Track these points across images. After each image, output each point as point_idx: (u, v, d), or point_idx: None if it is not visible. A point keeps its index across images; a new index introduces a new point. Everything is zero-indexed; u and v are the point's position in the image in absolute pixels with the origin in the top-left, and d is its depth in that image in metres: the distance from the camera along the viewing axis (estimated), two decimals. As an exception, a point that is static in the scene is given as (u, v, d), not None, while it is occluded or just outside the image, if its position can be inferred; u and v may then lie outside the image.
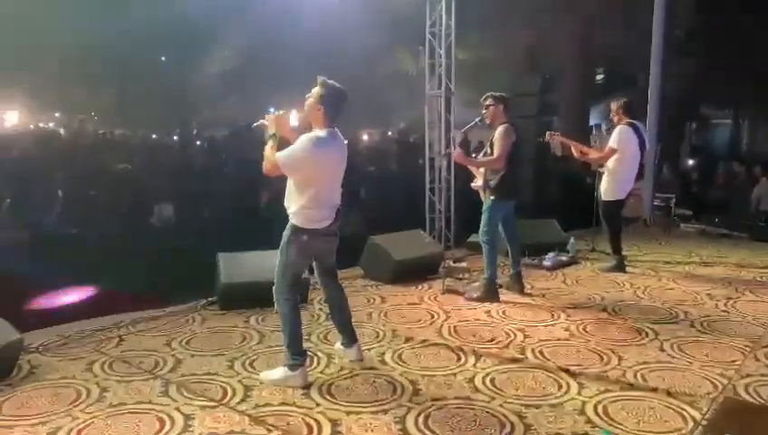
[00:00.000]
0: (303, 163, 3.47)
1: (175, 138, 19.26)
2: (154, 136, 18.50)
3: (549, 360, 3.96)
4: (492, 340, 4.31)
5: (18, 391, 3.48)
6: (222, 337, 4.39)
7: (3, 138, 15.15)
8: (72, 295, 6.91)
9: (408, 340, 4.30)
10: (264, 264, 5.06)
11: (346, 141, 3.72)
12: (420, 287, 5.69)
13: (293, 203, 3.59)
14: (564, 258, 6.63)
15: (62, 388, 3.53)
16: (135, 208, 12.38)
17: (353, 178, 13.11)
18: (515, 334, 4.42)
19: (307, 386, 3.56)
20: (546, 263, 6.43)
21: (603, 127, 6.88)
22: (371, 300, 5.30)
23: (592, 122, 15.67)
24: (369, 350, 4.13)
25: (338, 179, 3.70)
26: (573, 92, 13.61)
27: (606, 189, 6.22)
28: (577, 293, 5.57)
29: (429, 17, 7.53)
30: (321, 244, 3.69)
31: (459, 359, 3.97)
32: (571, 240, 7.00)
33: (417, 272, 5.94)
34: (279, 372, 3.64)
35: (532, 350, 4.13)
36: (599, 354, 4.07)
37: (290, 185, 3.61)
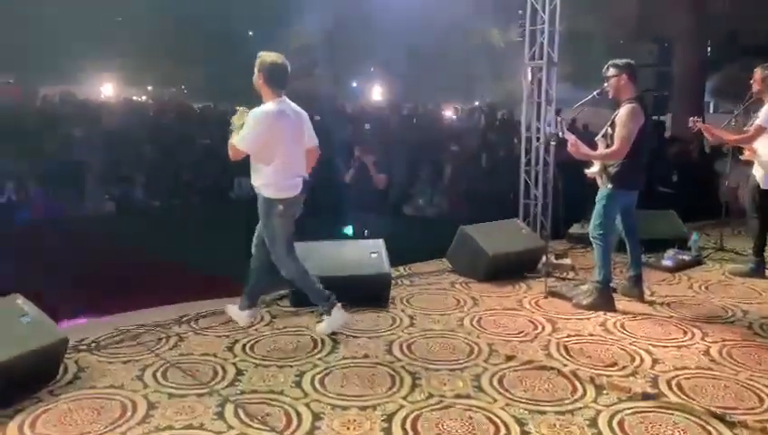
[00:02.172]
0: (257, 137, 3.65)
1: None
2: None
3: (691, 398, 3.13)
4: (613, 364, 3.52)
5: (59, 402, 3.04)
6: (291, 342, 3.82)
7: (96, 109, 15.38)
8: (142, 274, 6.67)
9: (509, 359, 3.57)
10: (339, 256, 4.53)
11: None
12: (518, 288, 4.93)
13: (259, 178, 3.78)
14: (687, 257, 5.64)
15: (106, 400, 3.07)
16: (216, 182, 12.26)
17: (435, 154, 12.46)
18: (641, 358, 3.60)
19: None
20: (666, 262, 5.48)
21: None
22: (462, 302, 4.59)
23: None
24: (462, 370, 3.44)
25: (299, 149, 3.84)
26: (689, 65, 12.13)
27: (763, 176, 5.10)
28: (709, 302, 4.64)
29: (532, -23, 6.65)
30: (296, 210, 3.86)
31: (575, 389, 3.21)
32: (694, 236, 5.97)
33: (513, 269, 5.17)
34: (327, 321, 3.88)
35: (667, 382, 3.30)
36: (755, 393, 3.20)
37: (252, 162, 3.78)
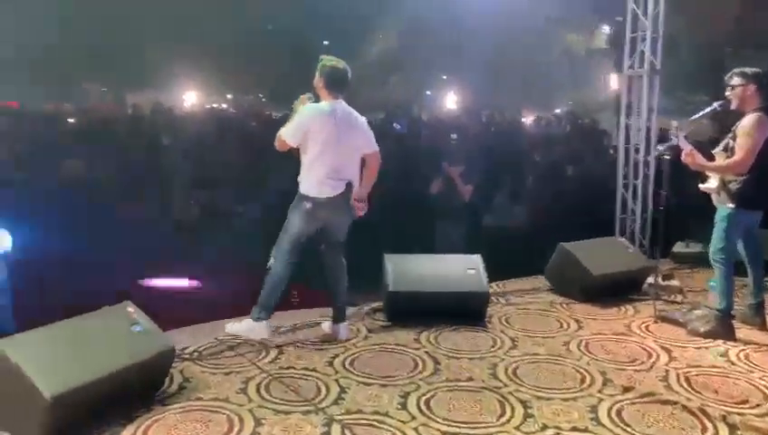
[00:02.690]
0: (300, 130, 3.73)
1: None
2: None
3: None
4: (744, 401, 3.22)
5: (168, 412, 3.03)
6: (390, 360, 3.72)
7: (182, 117, 15.92)
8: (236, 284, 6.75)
9: (626, 390, 3.33)
10: (435, 271, 4.39)
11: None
12: (624, 311, 4.65)
13: (301, 171, 3.81)
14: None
15: (213, 413, 3.04)
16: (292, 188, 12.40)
17: (516, 164, 12.13)
18: (776, 396, 3.29)
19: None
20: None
21: None
22: (565, 324, 4.36)
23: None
24: (575, 399, 3.23)
25: (345, 151, 3.80)
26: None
27: None
28: (842, 335, 4.21)
29: (634, -19, 6.34)
30: (328, 215, 3.83)
31: (704, 428, 2.95)
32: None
33: (616, 290, 4.89)
34: (243, 324, 3.93)
35: (811, 425, 2.99)
36: None
37: (301, 157, 3.81)
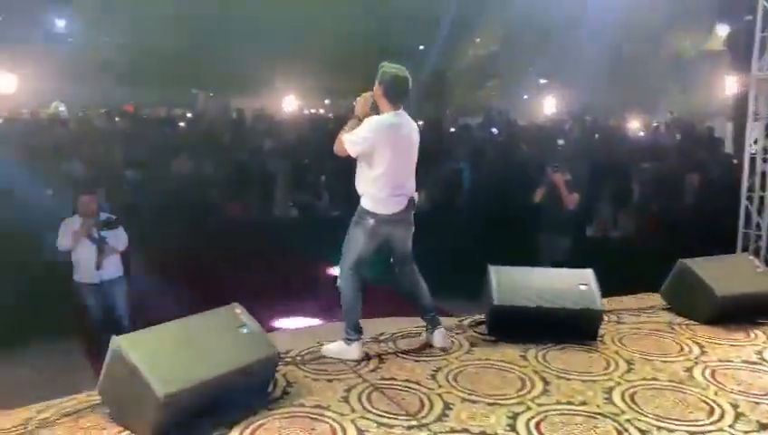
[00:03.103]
0: (366, 142, 3.58)
1: (420, 122, 19.20)
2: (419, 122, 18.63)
3: None
4: None
5: (272, 418, 3.02)
6: (495, 377, 3.54)
7: (282, 122, 16.39)
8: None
9: (763, 427, 2.99)
10: (545, 285, 4.17)
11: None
12: (753, 337, 4.22)
13: (361, 185, 3.69)
14: None
15: (316, 420, 3.00)
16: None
17: (622, 172, 11.53)
18: None
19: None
20: None
21: None
22: (685, 348, 4.01)
23: None
24: (702, 432, 2.94)
25: (407, 164, 3.73)
26: None
27: None
28: None
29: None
30: (391, 230, 3.72)
31: None
32: None
33: (743, 313, 4.46)
34: (336, 345, 3.74)
35: None
36: None
37: (358, 167, 3.70)
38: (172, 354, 2.90)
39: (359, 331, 3.74)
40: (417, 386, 3.39)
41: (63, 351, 5.80)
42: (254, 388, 3.20)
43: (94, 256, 5.30)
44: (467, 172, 10.73)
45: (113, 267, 5.46)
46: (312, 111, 25.78)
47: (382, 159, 3.60)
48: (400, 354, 3.81)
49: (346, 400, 3.22)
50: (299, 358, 3.70)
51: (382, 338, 4.05)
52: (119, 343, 2.84)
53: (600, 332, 4.17)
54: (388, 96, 3.66)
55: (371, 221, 3.64)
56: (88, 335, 5.58)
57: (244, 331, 3.21)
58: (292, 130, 14.65)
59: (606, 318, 4.46)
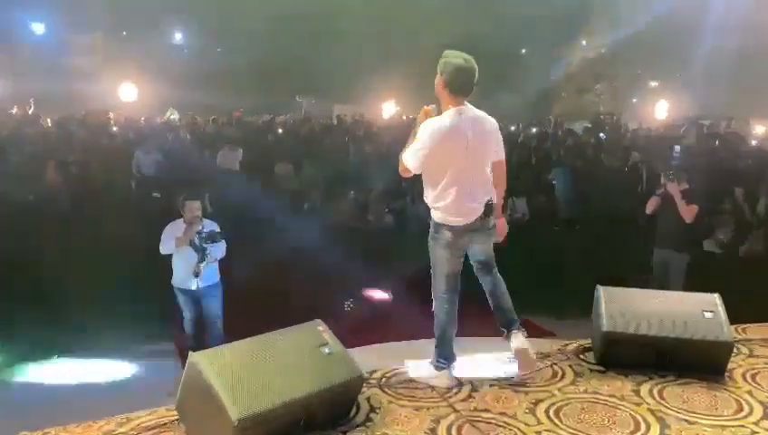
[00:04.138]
0: (421, 155, 3.23)
1: (533, 130, 18.53)
2: (512, 128, 18.06)
3: None
4: None
5: (352, 447, 2.81)
6: (604, 413, 3.14)
7: (380, 127, 16.36)
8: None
9: None
10: (664, 310, 3.68)
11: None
12: None
13: (428, 196, 3.38)
14: None
15: (400, 456, 2.75)
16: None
17: (747, 181, 10.47)
18: None
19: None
20: None
21: None
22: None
23: None
24: None
25: (477, 166, 3.31)
26: None
27: None
28: None
29: None
30: (469, 240, 3.37)
31: None
32: None
33: None
34: (425, 369, 3.44)
35: None
36: None
37: (423, 177, 3.37)
38: (250, 373, 2.74)
39: (451, 358, 3.43)
40: (513, 420, 3.06)
41: (160, 355, 5.90)
42: (335, 413, 2.99)
43: (194, 264, 5.30)
44: (565, 179, 10.09)
45: (211, 274, 5.46)
46: (411, 116, 25.68)
47: (446, 168, 3.25)
48: (495, 383, 3.47)
49: (433, 432, 2.95)
50: (384, 380, 3.46)
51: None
52: (196, 359, 2.72)
53: (729, 366, 3.64)
54: (450, 89, 3.25)
55: (448, 234, 3.31)
56: (180, 342, 5.65)
57: (326, 350, 3.01)
58: (388, 136, 14.55)
59: (735, 350, 3.89)
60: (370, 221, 11.01)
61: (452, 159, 3.23)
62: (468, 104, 3.31)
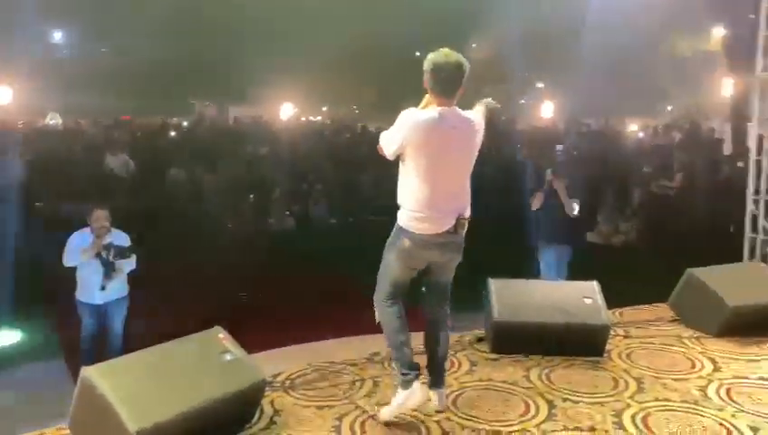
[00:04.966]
0: (397, 140, 2.92)
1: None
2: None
3: None
4: None
5: (255, 450, 2.82)
6: (498, 400, 3.33)
7: (279, 130, 16.23)
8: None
9: (789, 455, 2.78)
10: (549, 298, 3.97)
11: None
12: (767, 349, 4.02)
13: (400, 195, 3.02)
14: None
15: (307, 455, 2.80)
16: (389, 201, 12.21)
17: (622, 177, 11.35)
18: None
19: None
20: None
21: None
22: (698, 364, 3.80)
23: None
24: (723, 462, 2.72)
25: (455, 172, 2.98)
26: None
27: None
28: None
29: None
30: (431, 255, 2.99)
31: None
32: None
33: (757, 324, 4.24)
34: (395, 399, 3.02)
35: None
36: None
37: (400, 171, 3.02)
38: (147, 385, 2.69)
39: (415, 368, 2.99)
40: (414, 412, 3.16)
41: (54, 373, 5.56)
42: (238, 418, 2.98)
43: (100, 278, 4.94)
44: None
45: (118, 288, 5.14)
46: (311, 118, 25.60)
47: (418, 164, 2.90)
48: (395, 376, 3.58)
49: (337, 429, 3.01)
50: (288, 382, 3.49)
51: (377, 358, 3.83)
52: (89, 373, 2.63)
53: (607, 347, 3.97)
54: (433, 88, 2.94)
55: (407, 242, 2.94)
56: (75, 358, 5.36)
57: (228, 357, 2.99)
58: (288, 138, 14.48)
59: (613, 332, 4.24)
60: (272, 224, 10.96)
61: (425, 156, 2.89)
62: (456, 107, 2.97)
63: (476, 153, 3.05)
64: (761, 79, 5.93)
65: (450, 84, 2.93)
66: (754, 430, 2.98)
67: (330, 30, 22.25)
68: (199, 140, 13.73)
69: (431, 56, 2.95)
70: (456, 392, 3.39)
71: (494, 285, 4.02)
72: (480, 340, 4.13)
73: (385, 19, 23.55)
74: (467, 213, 3.01)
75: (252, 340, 3.57)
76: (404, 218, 2.96)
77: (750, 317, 4.20)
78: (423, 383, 3.00)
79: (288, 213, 11.33)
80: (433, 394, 3.09)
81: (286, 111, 24.05)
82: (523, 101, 27.61)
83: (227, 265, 7.31)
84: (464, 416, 3.13)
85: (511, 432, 2.96)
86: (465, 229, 3.00)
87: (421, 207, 2.90)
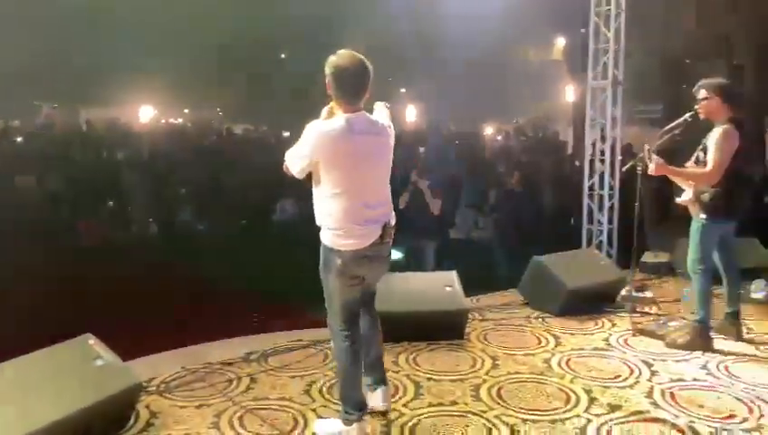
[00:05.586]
0: (305, 157, 2.76)
1: (286, 133, 19.02)
2: (279, 132, 18.40)
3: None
4: (731, 416, 3.18)
5: (134, 453, 2.83)
6: (369, 385, 3.57)
7: (138, 133, 15.51)
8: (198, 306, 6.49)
9: (613, 408, 3.25)
10: (413, 289, 4.27)
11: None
12: (601, 324, 4.60)
13: (318, 216, 2.85)
14: (777, 290, 5.26)
15: (185, 452, 2.85)
16: (259, 204, 12.15)
17: (478, 177, 12.18)
18: (760, 409, 3.25)
19: None
20: (757, 295, 5.11)
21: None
22: (543, 341, 4.28)
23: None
24: (563, 421, 3.14)
25: (373, 180, 2.83)
26: (755, 82, 11.46)
27: None
28: (814, 341, 4.25)
29: (597, -5, 6.44)
30: (363, 269, 2.85)
31: (696, 447, 2.90)
32: (781, 265, 5.60)
33: (592, 302, 4.86)
34: (331, 425, 2.98)
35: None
36: None
37: (313, 190, 2.86)
38: (18, 394, 2.61)
39: (361, 407, 2.92)
40: (290, 403, 3.33)
41: None
42: (113, 424, 2.96)
43: None
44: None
45: None
46: (171, 120, 24.66)
47: (331, 178, 2.74)
48: (272, 372, 3.72)
49: (216, 425, 3.09)
50: (163, 386, 3.49)
51: (252, 357, 3.93)
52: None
53: (467, 330, 4.35)
54: (337, 93, 2.79)
55: (338, 262, 2.80)
56: None
57: (99, 363, 2.97)
58: (148, 141, 13.90)
59: (471, 317, 4.65)
60: (132, 232, 10.52)
61: (342, 169, 2.74)
62: (364, 112, 2.84)
63: (391, 157, 2.95)
64: (592, 87, 6.70)
65: (356, 88, 2.79)
66: (588, 392, 3.45)
67: (190, 29, 21.54)
68: (49, 145, 12.80)
69: (333, 59, 2.80)
70: (331, 381, 3.57)
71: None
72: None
73: (249, 20, 23.23)
74: (392, 221, 2.91)
75: (123, 349, 3.53)
76: (328, 238, 2.82)
77: (585, 296, 4.79)
78: (364, 421, 2.92)
79: (151, 220, 10.94)
80: (379, 392, 3.11)
81: (145, 114, 22.98)
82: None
83: (86, 276, 6.99)
84: (337, 403, 3.30)
85: (376, 413, 3.17)
86: (392, 238, 2.92)
87: (342, 224, 2.76)
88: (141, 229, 10.69)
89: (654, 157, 4.15)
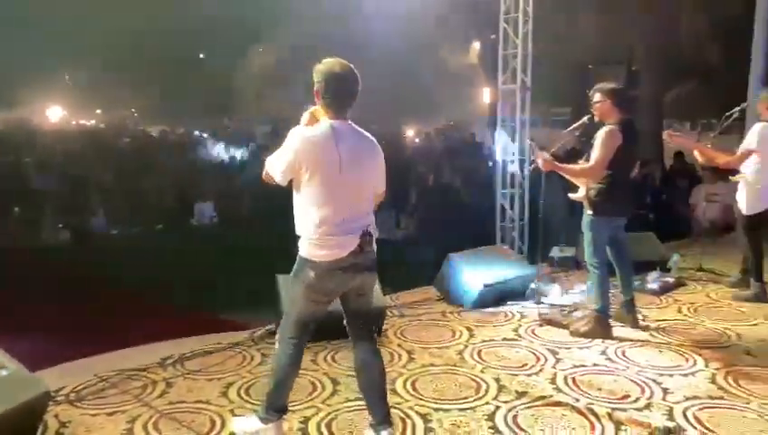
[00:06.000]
0: (288, 163, 2.68)
1: (205, 135, 18.65)
2: (197, 133, 18.02)
3: (713, 431, 3.07)
4: (625, 397, 3.44)
5: (42, 464, 2.76)
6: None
7: (48, 135, 14.80)
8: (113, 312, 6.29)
9: (520, 395, 3.45)
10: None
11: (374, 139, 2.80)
12: (510, 316, 4.84)
13: (297, 224, 2.78)
14: (671, 280, 5.68)
15: (96, 460, 2.81)
16: (176, 207, 11.87)
17: (401, 177, 12.40)
18: (651, 389, 3.54)
19: None
20: (652, 286, 5.50)
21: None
22: (457, 333, 4.46)
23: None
24: (473, 409, 3.30)
25: (355, 190, 2.73)
26: (652, 86, 12.29)
27: (746, 200, 5.13)
28: (702, 326, 4.63)
29: (504, 2, 6.72)
30: (338, 283, 2.77)
31: (593, 427, 3.11)
32: (674, 257, 6.04)
33: (503, 296, 5.10)
34: (248, 422, 3.01)
35: (683, 413, 3.24)
36: (770, 421, 3.17)
37: (294, 197, 2.80)
38: None
39: (281, 410, 2.96)
40: (207, 405, 3.32)
41: None
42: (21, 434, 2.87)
43: None
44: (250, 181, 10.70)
45: None
46: (82, 121, 23.63)
47: (313, 184, 2.67)
48: (188, 376, 3.69)
49: (130, 432, 3.05)
50: (73, 395, 3.40)
51: (168, 362, 3.89)
52: None
53: (384, 327, 4.46)
54: (324, 101, 2.74)
55: (310, 273, 2.71)
56: None
57: (3, 373, 2.87)
58: (59, 143, 13.31)
59: (389, 314, 4.77)
60: (44, 239, 10.04)
61: (324, 176, 2.67)
62: (351, 122, 2.79)
63: (381, 174, 2.88)
64: (502, 90, 6.99)
65: (346, 97, 2.75)
66: (497, 380, 3.64)
67: (102, 27, 20.75)
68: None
69: (324, 66, 2.76)
70: (248, 383, 3.60)
71: (281, 279, 4.29)
72: (273, 333, 4.37)
73: (165, 19, 22.61)
74: (374, 231, 2.83)
75: (32, 360, 3.42)
76: (304, 247, 2.74)
77: (496, 290, 5.01)
78: (282, 419, 2.97)
79: (61, 225, 10.48)
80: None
81: (54, 115, 21.90)
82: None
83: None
84: (256, 401, 3.34)
85: (296, 411, 3.22)
86: (374, 247, 2.84)
87: (319, 233, 2.68)
88: (51, 236, 10.23)
89: (540, 153, 4.43)
